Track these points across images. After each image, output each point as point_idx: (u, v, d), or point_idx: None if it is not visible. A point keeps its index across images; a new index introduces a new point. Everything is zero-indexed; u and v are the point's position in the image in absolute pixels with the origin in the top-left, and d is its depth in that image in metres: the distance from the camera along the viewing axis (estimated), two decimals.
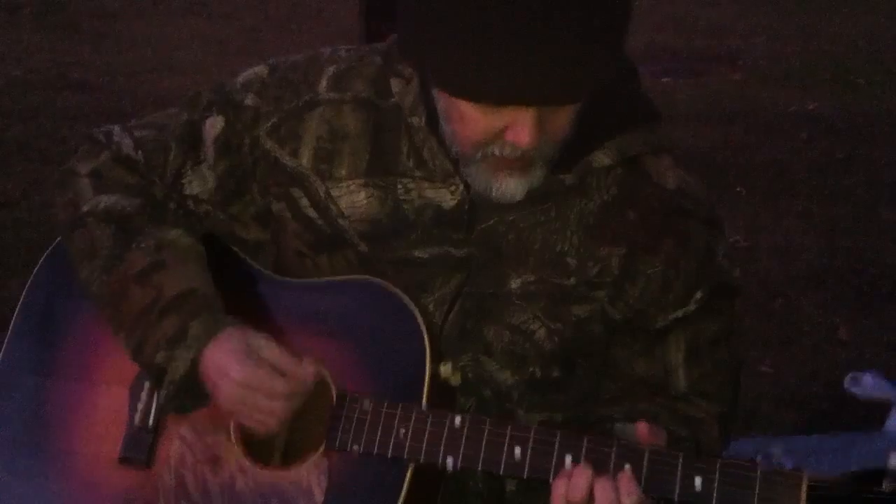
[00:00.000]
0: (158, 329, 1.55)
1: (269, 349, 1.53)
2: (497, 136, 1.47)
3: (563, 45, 1.39)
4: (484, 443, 1.48)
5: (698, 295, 1.59)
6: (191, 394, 1.56)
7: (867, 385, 3.08)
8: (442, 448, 1.49)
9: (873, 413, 3.11)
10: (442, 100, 1.50)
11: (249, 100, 1.64)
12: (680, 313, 1.59)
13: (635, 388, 1.61)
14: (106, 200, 1.64)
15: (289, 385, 1.51)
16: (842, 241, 4.56)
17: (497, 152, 1.48)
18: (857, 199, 4.92)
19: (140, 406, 1.64)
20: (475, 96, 1.44)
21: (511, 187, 1.50)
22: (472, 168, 1.52)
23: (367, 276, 1.59)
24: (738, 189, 4.99)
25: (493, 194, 1.51)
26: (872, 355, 3.80)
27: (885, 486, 1.33)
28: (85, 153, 1.69)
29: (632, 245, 1.58)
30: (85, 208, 1.64)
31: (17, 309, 1.74)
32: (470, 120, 1.47)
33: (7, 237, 4.17)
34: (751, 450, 2.18)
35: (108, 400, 1.66)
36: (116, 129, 1.69)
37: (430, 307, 1.59)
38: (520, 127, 1.45)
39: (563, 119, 1.48)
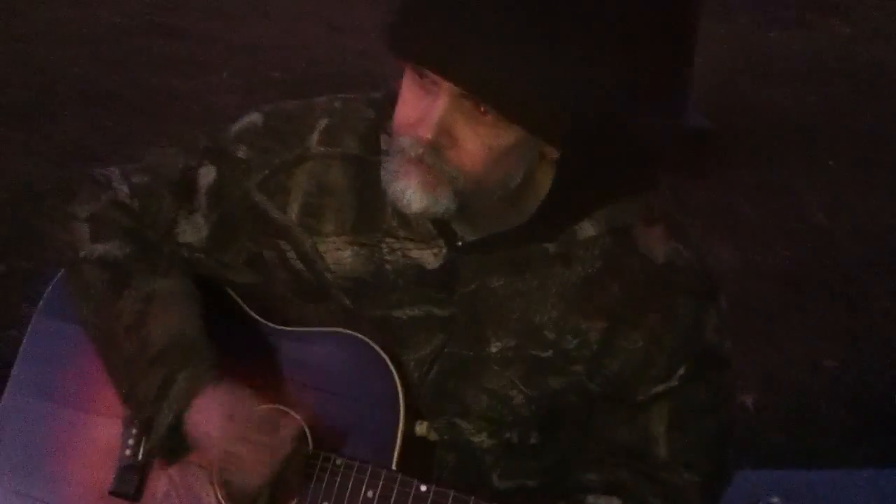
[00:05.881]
0: (145, 381, 1.61)
1: (249, 414, 1.54)
2: (410, 127, 1.46)
3: (504, 30, 1.37)
4: None
5: (681, 371, 1.56)
6: (175, 447, 1.61)
7: None
8: None
9: None
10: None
11: (241, 152, 1.66)
12: (661, 388, 1.56)
13: (616, 454, 1.60)
14: (101, 249, 1.68)
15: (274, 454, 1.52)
16: None
17: (403, 144, 1.47)
18: None
19: (130, 441, 1.69)
20: (394, 48, 1.44)
21: (409, 193, 1.47)
22: (386, 162, 1.50)
23: (349, 331, 1.61)
24: (829, 163, 4.81)
25: (391, 196, 1.49)
26: None
27: None
28: (85, 196, 1.74)
29: (613, 319, 1.54)
30: (82, 254, 1.70)
31: (27, 331, 1.81)
32: (401, 101, 1.48)
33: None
34: (749, 486, 2.12)
35: (104, 430, 1.71)
36: (116, 172, 1.74)
37: (411, 365, 1.60)
38: (426, 117, 1.43)
39: (476, 140, 1.43)
